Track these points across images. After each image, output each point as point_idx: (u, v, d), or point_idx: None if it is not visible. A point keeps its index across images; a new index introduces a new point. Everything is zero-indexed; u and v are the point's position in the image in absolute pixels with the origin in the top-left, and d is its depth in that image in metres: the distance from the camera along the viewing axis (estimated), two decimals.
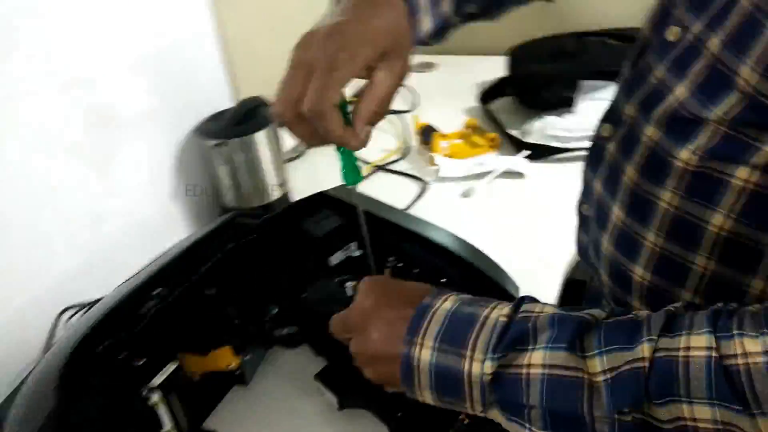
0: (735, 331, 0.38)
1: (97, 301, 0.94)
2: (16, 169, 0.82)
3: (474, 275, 0.73)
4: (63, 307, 0.92)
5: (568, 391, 0.42)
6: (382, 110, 0.53)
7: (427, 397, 0.49)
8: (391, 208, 0.87)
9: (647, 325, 0.41)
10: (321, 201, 0.89)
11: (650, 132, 0.53)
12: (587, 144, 0.65)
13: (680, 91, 0.49)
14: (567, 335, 0.43)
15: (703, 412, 0.37)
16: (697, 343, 0.38)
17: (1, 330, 0.83)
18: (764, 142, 0.44)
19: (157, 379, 0.63)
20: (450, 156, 1.26)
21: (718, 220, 0.49)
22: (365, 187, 1.20)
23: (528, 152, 1.21)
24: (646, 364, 0.39)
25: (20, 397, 0.58)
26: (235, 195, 1.11)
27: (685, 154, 0.49)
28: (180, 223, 1.12)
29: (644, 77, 0.55)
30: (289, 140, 1.35)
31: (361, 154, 1.31)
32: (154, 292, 0.68)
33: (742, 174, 0.47)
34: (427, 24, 0.58)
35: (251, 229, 0.81)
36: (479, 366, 0.45)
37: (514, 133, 1.31)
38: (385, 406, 0.70)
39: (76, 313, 0.92)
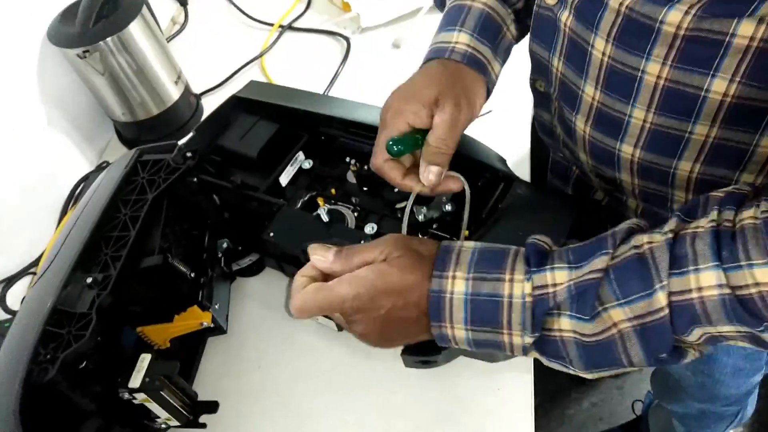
0: (743, 262, 0.36)
1: (26, 269, 0.80)
2: None
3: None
4: None
5: (604, 351, 0.41)
6: (445, 150, 0.53)
7: (459, 334, 0.45)
8: (335, 100, 0.73)
9: (655, 267, 0.39)
10: (236, 107, 0.73)
11: None
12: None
13: None
14: (587, 308, 0.41)
15: (726, 329, 0.38)
16: (708, 282, 0.37)
17: None
18: None
19: (135, 380, 0.53)
20: None
21: (719, 86, 0.44)
22: (277, 63, 1.04)
23: None
24: (666, 311, 0.38)
25: None
26: (127, 108, 0.91)
27: (675, 16, 0.42)
28: (71, 156, 0.93)
29: None
30: (163, 20, 1.11)
31: (258, 14, 1.10)
32: (89, 281, 0.55)
33: (746, 30, 0.40)
34: (497, 68, 0.60)
35: (170, 166, 0.66)
36: (519, 339, 0.43)
37: None
38: None
39: None
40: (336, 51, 1.04)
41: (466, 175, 0.58)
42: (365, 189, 0.64)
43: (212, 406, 0.60)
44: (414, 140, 0.53)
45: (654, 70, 0.45)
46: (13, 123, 0.82)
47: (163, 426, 0.59)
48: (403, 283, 0.45)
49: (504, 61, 0.62)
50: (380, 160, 0.55)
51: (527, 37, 0.59)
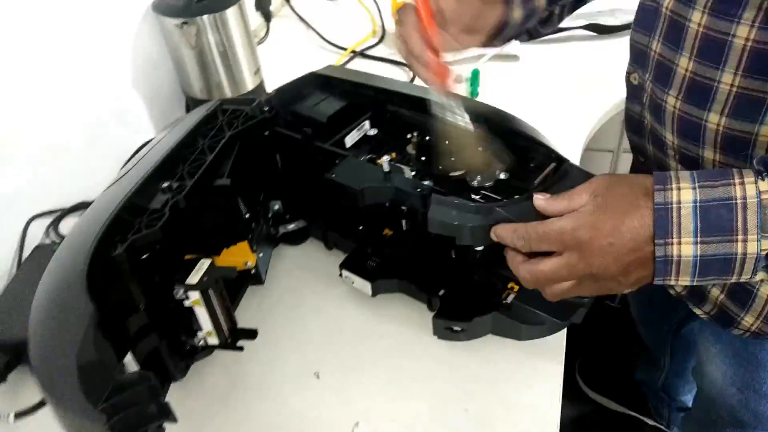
0: None
1: (79, 205, 0.84)
2: None
3: (507, 136, 0.68)
4: (30, 216, 0.80)
5: None
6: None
7: (683, 282, 0.45)
8: (403, 83, 0.80)
9: None
10: (312, 82, 0.80)
11: None
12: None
13: None
14: None
15: None
16: None
17: None
18: None
19: (194, 278, 0.55)
20: None
21: None
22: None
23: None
24: None
25: (39, 309, 0.50)
26: (204, 85, 0.99)
27: None
28: (142, 120, 1.00)
29: None
30: (254, 20, 1.22)
31: (334, 39, 1.21)
32: (164, 186, 0.59)
33: None
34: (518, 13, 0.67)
35: (247, 115, 0.72)
36: (755, 245, 0.42)
37: None
38: (424, 286, 0.67)
39: (54, 221, 0.81)
40: (402, 79, 1.12)
41: (521, 151, 0.63)
42: (423, 158, 0.69)
43: (251, 333, 0.62)
44: None
45: (743, 32, 0.49)
46: (100, 76, 0.89)
47: (201, 343, 0.61)
48: (621, 207, 0.45)
49: (526, 18, 0.69)
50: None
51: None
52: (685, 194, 0.43)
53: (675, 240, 0.43)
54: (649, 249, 0.44)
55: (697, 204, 0.43)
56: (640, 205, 0.45)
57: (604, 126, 1.01)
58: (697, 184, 0.43)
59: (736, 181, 0.43)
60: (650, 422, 1.32)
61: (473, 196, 0.61)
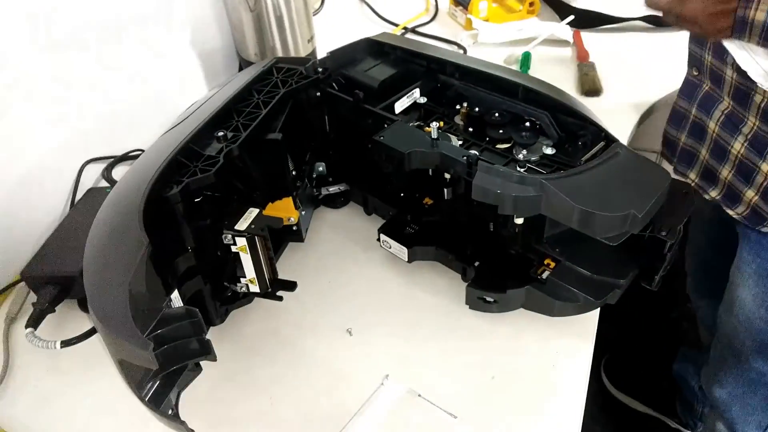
0: None
1: (132, 153, 0.87)
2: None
3: (557, 112, 0.68)
4: (85, 160, 0.83)
5: None
6: None
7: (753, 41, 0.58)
8: (456, 53, 0.81)
9: None
10: (366, 48, 0.81)
11: None
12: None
13: None
14: None
15: None
16: None
17: (22, 183, 0.76)
18: None
19: (242, 224, 0.57)
20: (486, 20, 1.17)
21: None
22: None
23: (571, 17, 1.13)
24: None
25: (96, 239, 0.52)
26: (259, 49, 1.01)
27: None
28: (196, 79, 1.02)
29: None
30: None
31: (387, 14, 1.21)
32: (219, 135, 0.61)
33: None
34: None
35: (301, 74, 0.73)
36: None
37: None
38: (461, 256, 0.68)
39: (107, 166, 0.85)
40: None
41: (570, 128, 0.64)
42: (470, 129, 0.70)
43: (291, 285, 0.64)
44: None
45: None
46: (158, 32, 0.92)
47: (243, 290, 0.63)
48: None
49: None
50: None
51: None
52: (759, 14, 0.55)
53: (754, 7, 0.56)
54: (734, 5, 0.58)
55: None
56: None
57: (647, 128, 0.99)
58: None
59: None
60: (673, 424, 1.31)
61: (518, 169, 0.61)
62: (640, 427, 1.35)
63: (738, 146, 0.71)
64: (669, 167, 0.77)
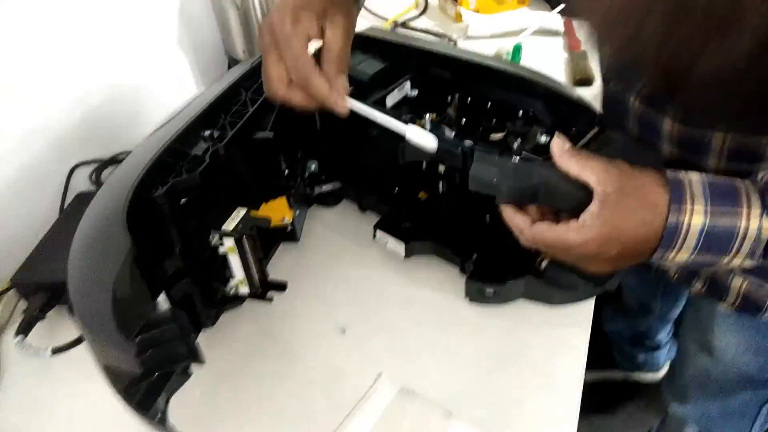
0: None
1: (120, 155, 0.86)
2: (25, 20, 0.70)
3: (549, 99, 0.67)
4: (74, 164, 0.82)
5: None
6: (343, 62, 0.56)
7: (681, 258, 0.47)
8: (446, 45, 0.79)
9: None
10: (355, 43, 0.80)
11: None
12: None
13: None
14: None
15: None
16: None
17: (9, 189, 0.74)
18: None
19: (229, 225, 0.56)
20: (476, 11, 1.15)
21: None
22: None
23: (562, 5, 1.12)
24: None
25: (80, 241, 0.51)
26: (247, 46, 1.00)
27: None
28: (185, 79, 1.01)
29: None
30: None
31: (376, 9, 1.21)
32: (206, 134, 0.60)
33: None
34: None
35: None
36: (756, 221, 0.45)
37: None
38: (458, 249, 0.67)
39: (96, 169, 0.83)
40: None
41: (563, 115, 0.63)
42: (463, 120, 0.69)
43: (281, 286, 0.63)
44: None
45: None
46: (146, 32, 0.91)
47: (232, 292, 0.62)
48: (630, 229, 0.46)
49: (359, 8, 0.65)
50: (309, 67, 0.54)
51: None
52: (696, 218, 0.45)
53: (673, 252, 0.46)
54: (647, 256, 0.48)
55: (705, 229, 0.45)
56: (650, 226, 0.46)
57: None
58: (709, 208, 0.45)
59: (743, 212, 0.45)
60: (618, 374, 1.35)
61: (513, 157, 0.60)
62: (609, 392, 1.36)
63: None
64: None
